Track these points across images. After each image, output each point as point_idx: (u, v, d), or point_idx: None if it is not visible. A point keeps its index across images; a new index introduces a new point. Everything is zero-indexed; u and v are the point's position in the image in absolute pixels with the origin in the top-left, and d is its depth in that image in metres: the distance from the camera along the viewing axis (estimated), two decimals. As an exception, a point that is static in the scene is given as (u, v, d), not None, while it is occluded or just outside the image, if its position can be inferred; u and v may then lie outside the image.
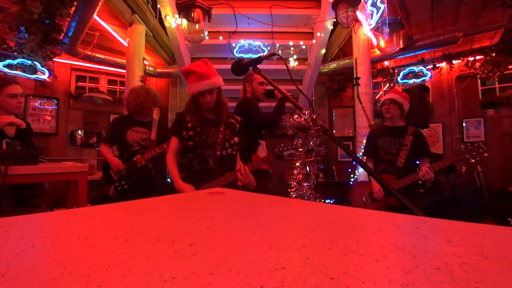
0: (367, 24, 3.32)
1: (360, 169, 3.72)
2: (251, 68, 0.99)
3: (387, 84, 5.10)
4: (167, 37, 4.03)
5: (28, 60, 3.40)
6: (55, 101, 4.58)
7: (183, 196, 0.66)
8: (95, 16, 3.36)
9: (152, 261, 0.25)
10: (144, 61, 3.99)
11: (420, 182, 1.99)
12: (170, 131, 1.65)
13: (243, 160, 1.66)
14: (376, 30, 3.36)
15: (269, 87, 2.03)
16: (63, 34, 3.31)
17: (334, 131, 5.61)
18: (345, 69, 4.74)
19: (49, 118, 4.51)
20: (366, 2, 3.17)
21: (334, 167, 5.30)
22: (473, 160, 1.83)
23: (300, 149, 0.83)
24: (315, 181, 0.82)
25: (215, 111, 1.58)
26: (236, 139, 1.60)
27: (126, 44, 3.92)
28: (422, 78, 4.89)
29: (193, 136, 1.53)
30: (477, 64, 4.32)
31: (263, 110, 2.00)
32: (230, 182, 1.50)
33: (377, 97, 5.32)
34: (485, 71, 4.13)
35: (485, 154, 1.81)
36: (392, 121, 2.16)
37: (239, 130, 1.65)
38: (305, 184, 0.81)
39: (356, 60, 3.79)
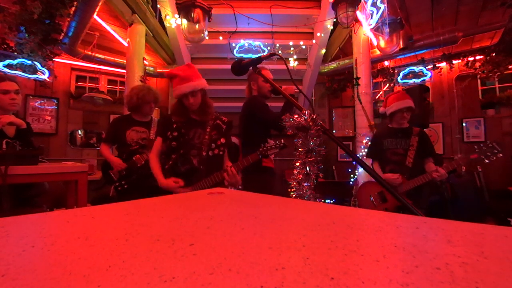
0: (367, 24, 3.32)
1: (360, 169, 3.72)
2: (251, 68, 1.00)
3: (387, 84, 5.10)
4: (167, 37, 4.03)
5: (28, 60, 3.40)
6: (55, 101, 4.58)
7: (183, 196, 0.66)
8: (95, 16, 3.36)
9: (152, 261, 0.25)
10: (144, 61, 3.99)
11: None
12: (156, 132, 1.66)
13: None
14: (376, 30, 3.36)
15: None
16: (63, 34, 3.31)
17: (334, 131, 5.61)
18: (345, 69, 4.74)
19: (49, 118, 4.50)
20: (366, 2, 3.17)
21: (334, 167, 5.30)
22: (487, 161, 1.80)
23: (300, 149, 0.83)
24: (315, 181, 0.82)
25: (200, 113, 1.62)
26: (222, 140, 1.63)
27: (126, 44, 3.92)
28: (422, 78, 4.89)
29: (177, 136, 1.57)
30: (477, 64, 4.32)
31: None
32: (217, 182, 1.52)
33: (377, 97, 5.33)
34: (485, 71, 4.12)
35: (500, 155, 1.78)
36: (398, 123, 2.18)
37: (225, 131, 1.67)
38: (305, 184, 0.81)
39: (356, 60, 3.79)
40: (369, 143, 2.43)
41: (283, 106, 1.89)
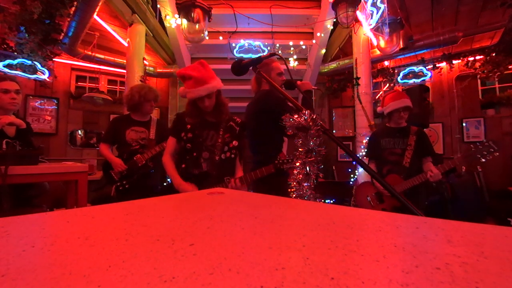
0: (367, 24, 3.32)
1: (360, 169, 3.72)
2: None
3: (387, 84, 5.10)
4: (167, 37, 4.04)
5: (28, 60, 3.40)
6: (55, 101, 4.58)
7: (183, 196, 0.66)
8: (95, 16, 3.36)
9: (152, 261, 0.25)
10: (144, 61, 3.99)
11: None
12: (168, 132, 1.64)
13: (269, 159, 1.57)
14: (376, 30, 3.36)
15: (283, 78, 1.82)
16: (63, 34, 3.32)
17: (334, 131, 5.61)
18: (345, 69, 4.74)
19: (49, 118, 4.51)
20: (366, 2, 3.17)
21: (334, 167, 5.30)
22: (483, 160, 1.78)
23: (300, 149, 0.83)
24: (315, 181, 0.82)
25: (215, 114, 1.55)
26: (235, 142, 1.57)
27: (126, 44, 3.92)
28: (422, 78, 4.89)
29: (192, 138, 1.51)
30: (477, 64, 4.32)
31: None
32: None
33: (377, 97, 5.33)
34: (485, 71, 4.12)
35: (496, 154, 1.76)
36: (396, 123, 2.16)
37: (239, 133, 1.60)
38: (305, 184, 0.81)
39: (356, 60, 3.79)
40: (368, 142, 2.42)
41: (302, 100, 1.72)
